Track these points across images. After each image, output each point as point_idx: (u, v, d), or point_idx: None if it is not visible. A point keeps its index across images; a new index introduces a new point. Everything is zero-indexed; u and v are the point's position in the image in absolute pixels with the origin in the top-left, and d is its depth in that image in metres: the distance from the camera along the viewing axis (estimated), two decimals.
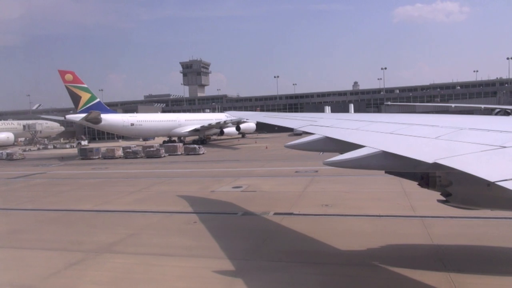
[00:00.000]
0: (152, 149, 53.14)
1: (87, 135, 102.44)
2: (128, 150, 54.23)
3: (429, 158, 5.29)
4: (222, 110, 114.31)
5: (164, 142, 74.60)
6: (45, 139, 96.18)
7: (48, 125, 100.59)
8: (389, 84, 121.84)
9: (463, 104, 77.61)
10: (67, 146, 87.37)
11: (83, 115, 58.57)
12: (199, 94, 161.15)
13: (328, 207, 19.32)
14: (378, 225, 15.98)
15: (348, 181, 26.11)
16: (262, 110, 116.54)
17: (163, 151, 53.16)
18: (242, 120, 69.54)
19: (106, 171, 40.25)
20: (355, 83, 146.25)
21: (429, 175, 8.12)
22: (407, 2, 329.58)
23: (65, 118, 66.58)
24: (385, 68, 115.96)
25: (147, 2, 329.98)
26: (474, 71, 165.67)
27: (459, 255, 12.23)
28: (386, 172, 8.57)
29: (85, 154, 55.61)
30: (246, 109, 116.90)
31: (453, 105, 64.83)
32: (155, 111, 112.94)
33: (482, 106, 62.02)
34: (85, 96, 59.76)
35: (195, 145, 55.82)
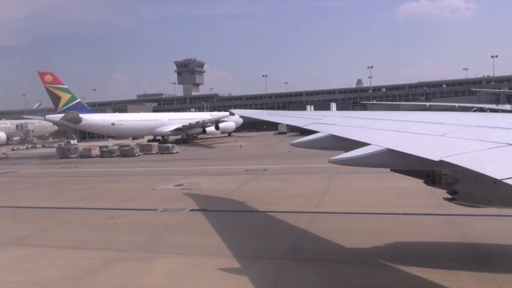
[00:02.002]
0: (126, 148, 54.48)
1: (78, 135, 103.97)
2: (104, 149, 55.63)
3: (435, 156, 5.19)
4: (212, 109, 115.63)
5: (149, 140, 76.11)
6: (34, 138, 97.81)
7: (41, 125, 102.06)
8: (391, 82, 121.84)
9: (438, 103, 78.40)
10: (56, 145, 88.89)
11: (62, 115, 60.01)
12: (194, 93, 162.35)
13: (244, 203, 20.48)
14: (270, 220, 17.11)
15: (284, 180, 27.34)
16: (250, 108, 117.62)
17: (138, 150, 54.50)
18: (221, 120, 70.80)
19: (73, 169, 41.61)
20: (359, 81, 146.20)
21: (435, 173, 8.26)
22: None
23: (45, 118, 68.03)
24: (372, 67, 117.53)
25: (153, 1, 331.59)
26: (464, 69, 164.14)
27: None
28: (391, 170, 8.45)
29: (63, 153, 57.05)
30: (235, 107, 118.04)
31: (427, 103, 65.74)
32: (146, 111, 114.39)
33: (456, 104, 62.84)
34: (65, 97, 61.09)
35: (169, 144, 57.10)
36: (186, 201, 21.71)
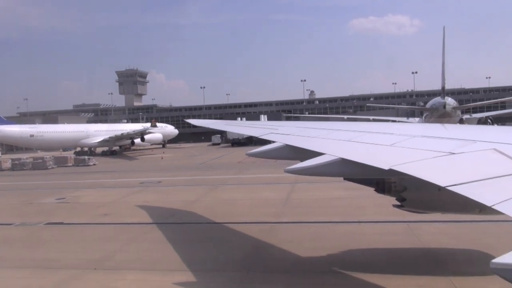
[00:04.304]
0: (39, 161, 52.91)
1: (4, 147, 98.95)
2: (16, 162, 53.64)
3: (385, 165, 5.36)
4: (150, 120, 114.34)
5: (75, 152, 74.25)
6: None
7: None
8: (342, 94, 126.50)
9: (354, 115, 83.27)
10: None
11: None
12: (136, 104, 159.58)
13: (106, 215, 20.95)
14: (120, 232, 17.76)
15: (164, 192, 28.13)
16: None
17: (51, 162, 53.07)
18: (147, 131, 70.59)
19: None
20: (312, 92, 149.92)
21: (385, 181, 8.46)
22: (361, 14, 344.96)
23: None
24: (305, 80, 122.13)
25: (108, 8, 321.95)
26: (392, 83, 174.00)
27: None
28: (344, 179, 8.54)
29: None
30: (173, 118, 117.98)
31: (345, 116, 69.68)
32: (81, 121, 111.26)
33: (371, 117, 66.80)
34: None
35: (85, 157, 56.12)
36: (54, 215, 21.80)
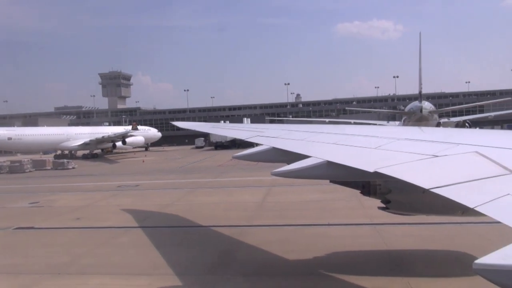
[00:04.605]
0: (16, 164, 51.95)
1: None
2: None
3: (370, 168, 5.40)
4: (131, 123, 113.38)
5: (55, 156, 73.16)
6: None
7: None
8: (328, 97, 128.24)
9: (336, 119, 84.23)
10: None
11: None
12: (120, 106, 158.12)
13: (78, 220, 20.69)
14: (90, 236, 17.60)
15: (141, 195, 27.98)
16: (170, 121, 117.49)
17: (29, 166, 52.16)
18: (129, 134, 69.97)
19: None
20: (298, 96, 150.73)
21: (370, 184, 8.51)
22: (346, 19, 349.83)
23: None
24: (288, 84, 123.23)
25: (96, 9, 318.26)
26: (375, 87, 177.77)
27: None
28: (330, 182, 8.57)
29: None
30: (157, 121, 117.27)
31: (327, 120, 70.52)
32: (62, 124, 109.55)
33: (352, 121, 67.66)
34: None
35: (64, 160, 55.30)
36: (25, 219, 21.42)
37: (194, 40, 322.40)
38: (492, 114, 73.04)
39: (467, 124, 67.90)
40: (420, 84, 45.74)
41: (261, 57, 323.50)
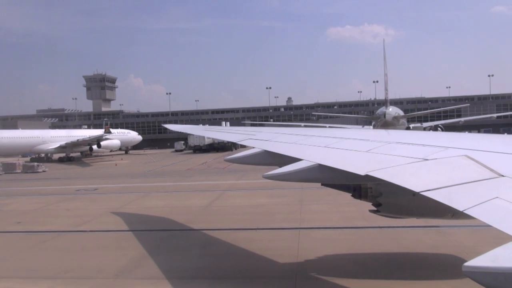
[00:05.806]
0: None
1: None
2: None
3: (361, 171, 5.46)
4: (116, 126, 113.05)
5: (31, 159, 72.96)
6: None
7: None
8: (322, 100, 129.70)
9: (315, 123, 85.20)
10: None
11: None
12: (104, 109, 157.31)
13: (19, 224, 20.76)
14: (21, 240, 17.75)
15: (96, 199, 28.08)
16: (154, 126, 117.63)
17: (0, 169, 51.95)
18: (104, 138, 69.83)
19: None
20: (289, 99, 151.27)
21: (361, 187, 8.54)
22: (337, 23, 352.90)
23: None
24: (270, 88, 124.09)
25: (86, 11, 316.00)
26: (358, 92, 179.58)
27: None
28: (322, 185, 8.62)
29: None
30: (139, 124, 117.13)
31: (302, 124, 71.13)
32: (43, 127, 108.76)
33: (327, 125, 68.23)
34: None
35: (34, 163, 55.09)
36: None
37: (186, 43, 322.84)
38: (462, 119, 74.39)
39: (439, 129, 69.07)
40: (386, 89, 46.61)
41: (251, 60, 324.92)
